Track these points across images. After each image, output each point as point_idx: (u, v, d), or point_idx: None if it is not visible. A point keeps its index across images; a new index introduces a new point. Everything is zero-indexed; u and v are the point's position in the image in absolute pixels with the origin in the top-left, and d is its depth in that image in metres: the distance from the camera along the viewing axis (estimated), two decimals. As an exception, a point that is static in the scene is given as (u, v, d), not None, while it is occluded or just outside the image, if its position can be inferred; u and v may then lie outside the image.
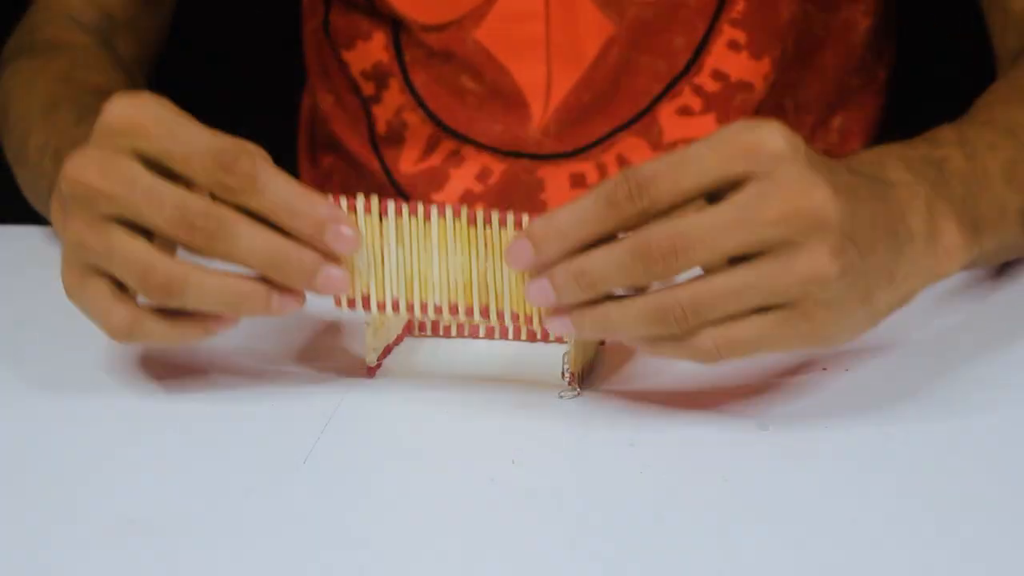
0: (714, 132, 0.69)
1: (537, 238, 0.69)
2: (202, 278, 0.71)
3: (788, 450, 0.70)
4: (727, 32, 1.01)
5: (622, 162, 1.03)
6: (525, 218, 0.72)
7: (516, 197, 1.04)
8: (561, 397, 0.76)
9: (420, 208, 0.73)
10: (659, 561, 0.62)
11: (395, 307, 0.74)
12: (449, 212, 0.73)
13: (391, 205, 0.73)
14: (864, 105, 1.08)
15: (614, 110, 1.03)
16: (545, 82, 1.03)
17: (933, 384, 0.77)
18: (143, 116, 0.72)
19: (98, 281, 0.72)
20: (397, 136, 1.07)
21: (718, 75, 1.02)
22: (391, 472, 0.69)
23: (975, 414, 0.74)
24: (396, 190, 1.07)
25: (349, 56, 1.07)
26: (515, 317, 0.73)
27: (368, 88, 1.07)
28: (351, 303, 0.74)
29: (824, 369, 0.79)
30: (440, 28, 1.03)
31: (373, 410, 0.75)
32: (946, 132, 0.83)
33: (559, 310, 0.71)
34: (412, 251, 0.74)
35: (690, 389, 0.77)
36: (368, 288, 0.74)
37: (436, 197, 1.06)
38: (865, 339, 0.82)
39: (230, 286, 0.72)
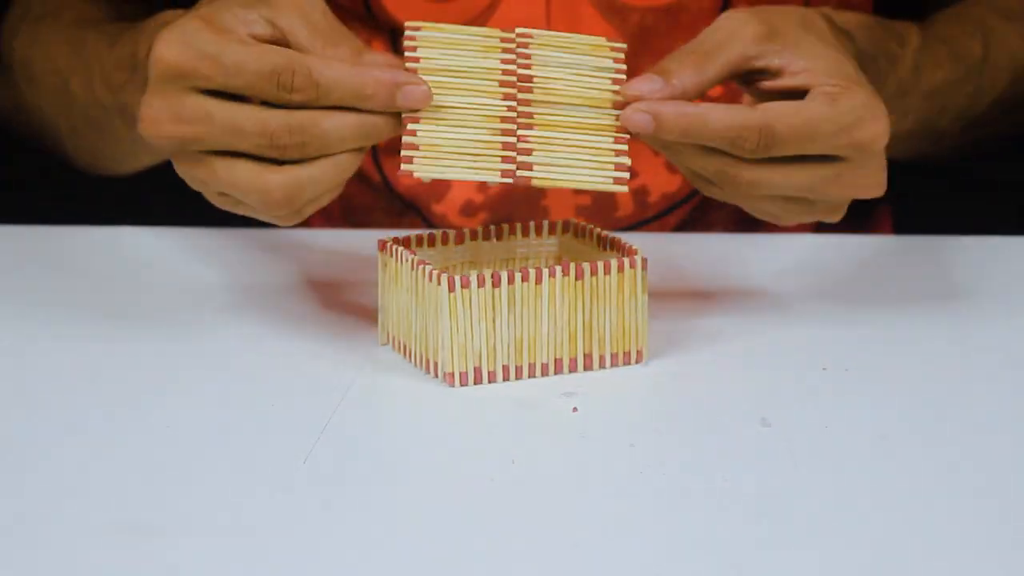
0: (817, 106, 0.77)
1: (663, 118, 0.76)
2: (326, 81, 0.73)
3: (788, 450, 0.70)
4: None
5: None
6: (626, 261, 0.77)
7: (516, 204, 1.04)
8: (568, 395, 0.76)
9: (532, 273, 0.76)
10: (659, 561, 0.62)
11: (505, 374, 0.77)
12: (559, 272, 0.76)
13: (503, 275, 0.75)
14: None
15: None
16: None
17: (933, 383, 0.77)
18: (188, 58, 0.73)
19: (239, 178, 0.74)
20: (398, 148, 1.06)
21: None
22: (391, 472, 0.69)
23: (975, 413, 0.74)
24: (399, 200, 1.06)
25: None
26: (615, 357, 0.78)
27: (369, 96, 1.06)
28: (464, 377, 0.77)
29: (824, 369, 0.79)
30: None
31: (373, 410, 0.75)
32: (913, 35, 0.94)
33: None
34: (522, 315, 0.76)
35: (690, 389, 0.77)
36: (480, 360, 0.76)
37: (437, 208, 1.05)
38: (865, 338, 0.82)
39: (357, 79, 0.74)
